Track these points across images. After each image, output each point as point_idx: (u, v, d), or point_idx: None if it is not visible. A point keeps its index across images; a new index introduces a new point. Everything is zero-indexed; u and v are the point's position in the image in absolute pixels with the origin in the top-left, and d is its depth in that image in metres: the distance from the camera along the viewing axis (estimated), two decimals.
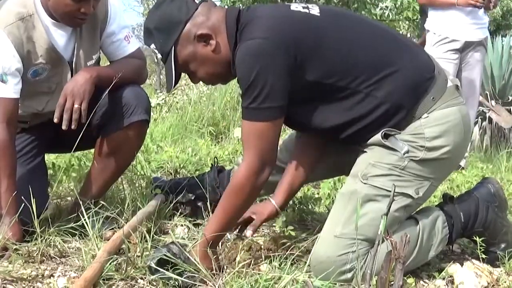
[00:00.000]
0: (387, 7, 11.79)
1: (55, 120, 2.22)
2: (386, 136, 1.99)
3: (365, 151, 2.03)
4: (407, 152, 1.97)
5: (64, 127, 2.21)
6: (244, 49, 1.89)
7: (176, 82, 2.02)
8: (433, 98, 2.00)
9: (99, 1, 2.27)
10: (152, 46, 2.01)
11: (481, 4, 4.23)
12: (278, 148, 2.48)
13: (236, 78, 1.95)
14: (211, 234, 1.98)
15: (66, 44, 2.34)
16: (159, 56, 2.01)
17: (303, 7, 2.02)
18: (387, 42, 2.03)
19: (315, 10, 2.02)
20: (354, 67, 1.94)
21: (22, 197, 2.13)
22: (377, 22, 2.40)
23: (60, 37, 2.32)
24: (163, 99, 6.81)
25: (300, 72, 1.91)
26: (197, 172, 3.44)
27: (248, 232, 2.13)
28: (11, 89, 2.21)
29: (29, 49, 2.25)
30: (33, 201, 2.09)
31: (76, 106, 2.22)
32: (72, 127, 2.21)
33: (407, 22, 11.31)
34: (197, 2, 1.97)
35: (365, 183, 1.99)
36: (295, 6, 2.03)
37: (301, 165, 2.22)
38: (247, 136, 1.96)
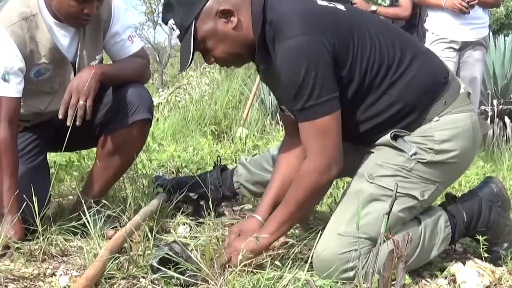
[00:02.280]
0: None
1: (60, 116, 2.22)
2: (395, 137, 1.99)
3: (373, 152, 2.03)
4: (415, 154, 1.97)
5: (68, 123, 2.21)
6: (286, 50, 1.87)
7: (190, 61, 2.00)
8: (445, 102, 2.00)
9: (102, 3, 2.26)
10: (171, 21, 1.98)
11: (466, 10, 4.21)
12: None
13: (282, 80, 1.91)
14: (273, 231, 1.98)
15: (69, 44, 2.34)
16: (177, 32, 1.99)
17: (329, 2, 2.02)
18: (404, 43, 2.03)
19: (340, 6, 2.02)
20: (376, 64, 1.94)
21: (24, 196, 2.13)
22: (391, 24, 2.40)
23: (63, 37, 2.32)
24: (165, 98, 6.82)
25: (337, 65, 1.90)
26: (199, 171, 3.44)
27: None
28: (14, 88, 2.21)
29: (32, 49, 2.25)
30: (35, 199, 2.09)
31: (81, 102, 2.22)
32: (77, 123, 2.21)
33: None
34: None
35: (371, 183, 1.99)
36: (321, 2, 2.02)
37: (287, 179, 2.17)
38: (308, 136, 1.92)
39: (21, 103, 2.27)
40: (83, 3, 2.18)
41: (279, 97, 2.14)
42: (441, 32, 4.39)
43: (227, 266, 1.97)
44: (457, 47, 4.40)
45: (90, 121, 2.28)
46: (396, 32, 2.09)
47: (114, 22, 2.41)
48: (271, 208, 2.18)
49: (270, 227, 2.00)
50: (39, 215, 2.11)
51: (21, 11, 2.23)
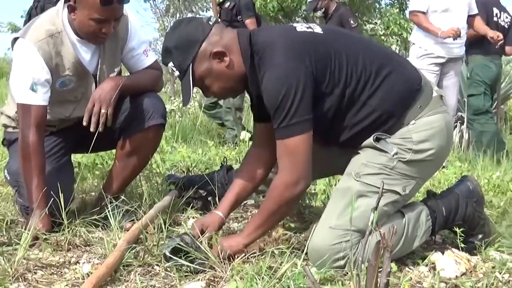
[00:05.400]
0: (376, 23, 11.82)
1: (84, 123, 2.23)
2: (377, 140, 1.98)
3: (359, 153, 2.03)
4: (396, 153, 1.97)
5: (92, 129, 2.22)
6: (268, 77, 1.87)
7: (191, 97, 2.00)
8: (420, 106, 2.00)
9: (119, 23, 2.27)
10: (170, 64, 1.97)
11: (457, 36, 4.29)
12: None
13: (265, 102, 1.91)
14: (248, 234, 2.00)
15: (90, 58, 2.35)
16: (177, 73, 1.97)
17: (307, 27, 2.01)
18: (380, 56, 2.02)
19: (317, 29, 2.01)
20: (354, 80, 1.94)
21: (52, 192, 2.14)
22: (370, 40, 2.39)
23: (85, 52, 2.33)
24: (176, 105, 6.82)
25: (316, 84, 1.90)
26: (207, 170, 3.44)
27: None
28: (40, 98, 2.22)
29: (57, 62, 2.26)
30: (61, 195, 2.09)
31: (103, 111, 2.23)
32: (100, 129, 2.23)
33: (394, 36, 11.35)
34: (210, 23, 1.96)
35: (357, 181, 1.98)
36: (300, 27, 2.01)
37: (250, 179, 2.20)
38: (281, 153, 1.92)
39: (48, 110, 2.27)
40: (101, 23, 2.19)
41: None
42: (429, 48, 4.43)
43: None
44: (442, 61, 4.43)
45: (110, 127, 2.28)
46: (372, 48, 2.07)
47: (131, 39, 2.42)
48: (232, 206, 2.20)
49: (247, 230, 2.03)
50: (64, 209, 2.12)
51: (47, 28, 2.24)
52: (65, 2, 2.25)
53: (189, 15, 14.46)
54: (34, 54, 2.20)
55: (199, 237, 2.00)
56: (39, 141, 2.21)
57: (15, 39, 2.27)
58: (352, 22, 5.83)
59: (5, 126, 2.51)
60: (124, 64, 2.47)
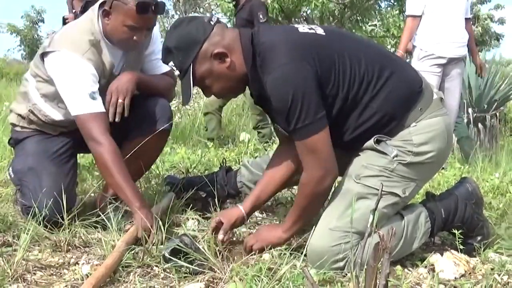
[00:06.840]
0: (376, 25, 11.82)
1: (110, 118, 2.24)
2: (377, 142, 1.99)
3: (359, 154, 2.03)
4: (396, 156, 1.97)
5: (110, 119, 2.24)
6: (273, 79, 1.86)
7: (191, 97, 2.00)
8: (420, 109, 2.00)
9: (150, 33, 2.31)
10: (171, 63, 1.97)
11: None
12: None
13: (273, 105, 1.91)
14: (288, 229, 2.06)
15: (118, 62, 2.38)
16: (177, 72, 1.98)
17: (309, 29, 2.01)
18: (381, 58, 2.02)
19: (319, 30, 2.01)
20: (357, 82, 1.93)
21: (55, 193, 2.15)
22: (371, 41, 2.39)
23: (116, 58, 2.36)
24: (176, 106, 6.82)
25: (321, 86, 1.89)
26: (207, 171, 3.44)
27: (220, 236, 2.10)
28: (101, 104, 2.23)
29: (102, 69, 2.29)
30: (63, 197, 2.10)
31: (120, 101, 2.24)
32: (116, 119, 2.24)
33: (394, 38, 11.36)
34: (212, 23, 1.96)
35: (358, 183, 1.98)
36: (302, 28, 2.01)
37: (271, 180, 2.22)
38: (302, 153, 1.93)
39: (65, 111, 2.29)
40: (134, 30, 2.22)
41: (273, 118, 2.14)
42: (430, 49, 4.42)
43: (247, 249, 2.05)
44: (443, 62, 4.42)
45: (119, 128, 2.28)
46: (373, 50, 2.07)
47: (152, 42, 2.46)
48: (254, 204, 2.22)
49: (285, 226, 2.07)
50: (67, 211, 2.12)
51: (88, 39, 2.26)
52: (99, 8, 2.27)
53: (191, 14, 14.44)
54: (86, 66, 2.22)
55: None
56: (115, 147, 2.17)
57: (45, 53, 2.25)
58: (261, 16, 5.59)
59: (13, 125, 2.51)
60: (141, 66, 2.49)
